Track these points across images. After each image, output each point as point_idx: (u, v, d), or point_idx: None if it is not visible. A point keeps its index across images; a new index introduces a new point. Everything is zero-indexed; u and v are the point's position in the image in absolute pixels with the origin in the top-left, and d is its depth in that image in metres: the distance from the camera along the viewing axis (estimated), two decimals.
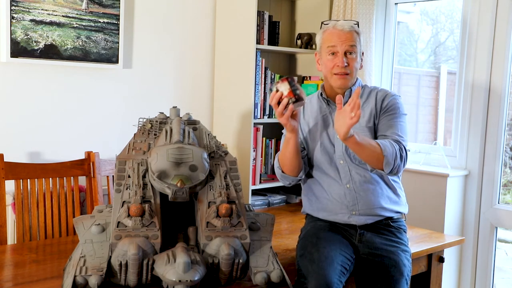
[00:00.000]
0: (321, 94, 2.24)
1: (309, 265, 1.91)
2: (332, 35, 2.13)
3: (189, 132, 1.95)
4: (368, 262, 2.06)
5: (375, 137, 2.14)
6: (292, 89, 1.93)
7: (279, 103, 1.96)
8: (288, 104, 1.94)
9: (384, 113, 2.15)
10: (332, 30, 2.14)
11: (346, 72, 2.12)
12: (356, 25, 2.17)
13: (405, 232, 2.21)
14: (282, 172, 2.18)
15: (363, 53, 2.21)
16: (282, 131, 2.29)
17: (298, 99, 1.93)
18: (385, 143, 2.01)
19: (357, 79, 2.22)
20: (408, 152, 2.10)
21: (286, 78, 1.95)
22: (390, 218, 2.18)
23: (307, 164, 2.21)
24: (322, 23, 2.22)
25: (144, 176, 1.84)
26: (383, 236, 2.12)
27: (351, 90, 2.17)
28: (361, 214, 2.13)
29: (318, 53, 2.21)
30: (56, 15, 2.74)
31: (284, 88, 1.94)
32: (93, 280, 1.61)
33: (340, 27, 2.13)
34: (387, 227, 2.16)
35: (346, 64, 2.11)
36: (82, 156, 2.68)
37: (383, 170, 2.03)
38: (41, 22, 2.70)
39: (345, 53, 2.11)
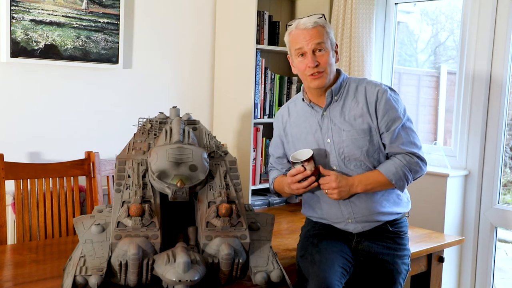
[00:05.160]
0: (303, 99, 2.15)
1: (309, 267, 1.91)
2: (297, 36, 2.02)
3: (189, 132, 1.95)
4: (364, 268, 2.05)
5: (376, 139, 2.04)
6: (316, 168, 2.00)
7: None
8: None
9: (383, 117, 2.03)
10: (296, 31, 2.03)
11: (319, 71, 2.00)
12: (321, 19, 2.04)
13: (406, 233, 2.14)
14: (279, 196, 2.27)
15: (337, 45, 2.09)
16: (272, 161, 2.31)
17: (320, 176, 2.01)
18: (389, 169, 2.01)
19: (340, 73, 2.11)
20: (422, 155, 2.08)
21: (312, 158, 1.99)
22: (389, 222, 2.10)
23: None
24: (286, 25, 2.11)
25: (144, 176, 1.84)
26: (380, 244, 2.07)
27: (332, 90, 2.06)
28: (358, 221, 2.07)
29: (290, 56, 2.11)
30: (56, 15, 2.74)
31: (310, 167, 1.98)
32: (93, 280, 1.61)
33: (302, 26, 2.01)
34: (385, 233, 2.09)
35: (317, 63, 2.00)
36: (82, 156, 2.68)
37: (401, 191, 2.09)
38: (41, 22, 2.70)
39: (313, 52, 2.01)
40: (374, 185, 2.02)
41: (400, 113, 2.05)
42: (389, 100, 2.04)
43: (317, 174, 1.99)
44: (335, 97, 2.08)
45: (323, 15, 2.07)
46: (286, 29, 2.10)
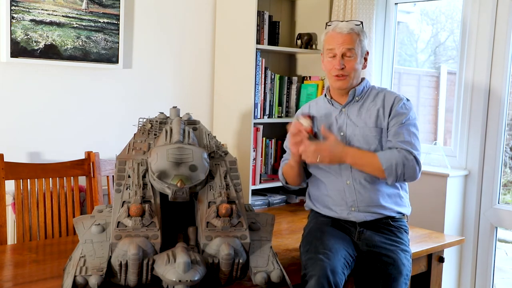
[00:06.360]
0: (325, 95, 2.29)
1: (314, 256, 1.94)
2: (331, 38, 2.19)
3: (189, 132, 1.95)
4: (367, 260, 2.07)
5: (385, 142, 2.16)
6: (313, 127, 2.11)
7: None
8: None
9: (393, 118, 2.16)
10: (332, 33, 2.19)
11: (343, 74, 2.16)
12: (359, 26, 2.20)
13: (406, 232, 2.21)
14: (286, 183, 2.35)
15: (367, 53, 2.24)
16: (286, 155, 2.37)
17: (315, 137, 2.11)
18: (385, 155, 2.08)
19: (363, 79, 2.26)
20: (418, 158, 2.13)
21: (309, 116, 2.12)
22: (391, 217, 2.19)
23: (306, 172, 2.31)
24: (326, 24, 2.27)
25: (144, 176, 1.84)
26: (382, 235, 2.14)
27: (356, 90, 2.21)
28: (360, 211, 2.16)
29: (322, 53, 2.27)
30: (56, 15, 2.74)
31: (306, 123, 2.11)
32: (93, 280, 1.61)
33: (339, 30, 2.17)
34: (387, 226, 2.17)
35: (343, 66, 2.15)
36: (82, 156, 2.68)
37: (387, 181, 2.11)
38: (41, 22, 2.70)
39: (343, 56, 2.15)
40: (365, 164, 2.10)
41: (409, 117, 2.18)
42: (403, 106, 2.20)
43: (314, 135, 2.09)
44: (356, 97, 2.23)
45: (361, 22, 2.24)
46: (326, 28, 2.25)
